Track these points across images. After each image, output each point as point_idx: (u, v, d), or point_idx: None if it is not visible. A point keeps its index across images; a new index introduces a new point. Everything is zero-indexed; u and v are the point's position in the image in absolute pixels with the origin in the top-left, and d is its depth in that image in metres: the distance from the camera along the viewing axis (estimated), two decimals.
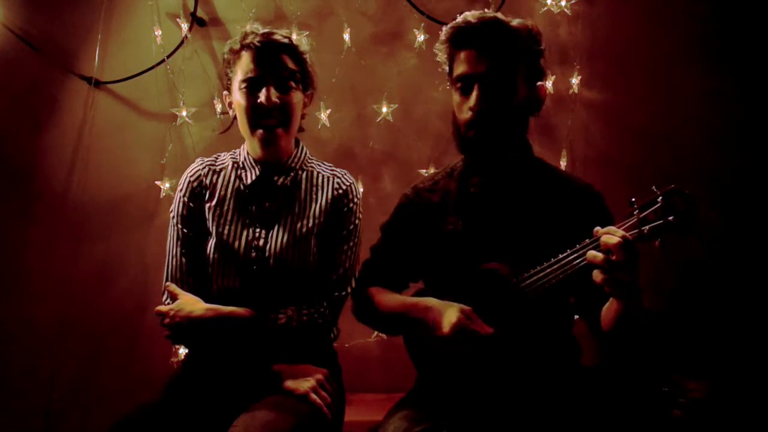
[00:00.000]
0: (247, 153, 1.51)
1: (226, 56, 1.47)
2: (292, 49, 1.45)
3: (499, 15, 1.32)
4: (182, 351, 2.23)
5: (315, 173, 1.53)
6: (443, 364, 1.31)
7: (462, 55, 1.31)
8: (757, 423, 1.81)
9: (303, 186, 1.50)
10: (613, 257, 1.06)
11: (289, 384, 1.32)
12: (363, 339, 2.24)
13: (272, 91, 1.41)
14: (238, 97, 1.44)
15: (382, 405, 1.47)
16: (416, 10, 2.31)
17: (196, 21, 2.38)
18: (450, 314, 1.23)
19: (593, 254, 1.09)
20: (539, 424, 1.20)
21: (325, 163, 1.58)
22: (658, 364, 2.00)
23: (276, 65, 1.42)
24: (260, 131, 1.42)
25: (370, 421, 1.48)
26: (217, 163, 1.53)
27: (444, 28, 1.35)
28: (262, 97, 1.40)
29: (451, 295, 1.30)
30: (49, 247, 2.39)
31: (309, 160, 1.55)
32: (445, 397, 1.28)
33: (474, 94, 1.28)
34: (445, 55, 1.37)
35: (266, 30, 1.45)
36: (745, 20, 2.27)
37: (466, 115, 1.30)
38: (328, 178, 1.52)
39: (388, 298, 1.42)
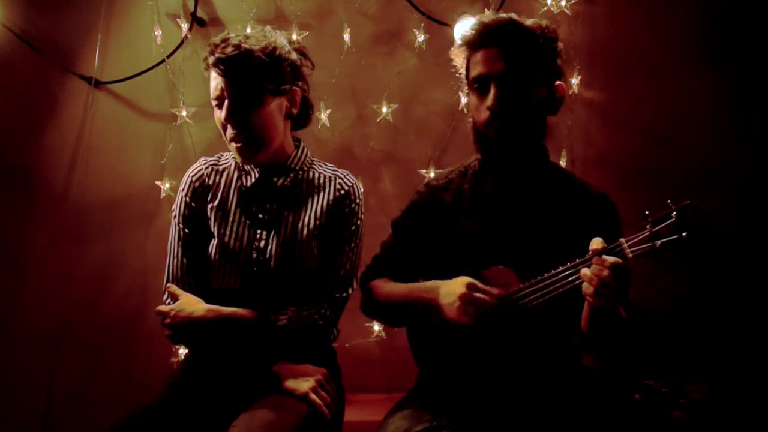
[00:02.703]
0: None
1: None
2: (247, 56, 1.35)
3: (514, 15, 1.32)
4: (182, 351, 2.23)
5: (316, 174, 1.51)
6: (447, 356, 1.31)
7: (478, 56, 1.31)
8: (757, 424, 1.81)
9: (304, 187, 1.49)
10: (606, 281, 1.08)
11: (289, 384, 1.32)
12: (363, 339, 2.24)
13: (229, 109, 1.36)
14: (215, 111, 1.43)
15: (382, 405, 1.47)
16: (416, 10, 2.31)
17: (196, 21, 2.38)
18: (455, 286, 1.24)
19: (587, 275, 1.11)
20: (540, 424, 1.20)
21: (327, 163, 1.57)
22: (634, 363, 2.01)
23: (233, 81, 1.36)
24: (235, 146, 1.41)
25: (370, 421, 1.47)
26: (220, 163, 1.53)
27: (461, 33, 1.35)
28: (222, 114, 1.39)
29: None
30: (49, 247, 2.39)
31: (310, 161, 1.54)
32: (445, 396, 1.28)
33: (491, 93, 1.28)
34: (462, 59, 1.38)
35: (224, 42, 1.37)
36: (745, 20, 2.27)
37: (484, 115, 1.30)
38: (330, 178, 1.51)
39: (394, 287, 1.43)
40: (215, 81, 1.39)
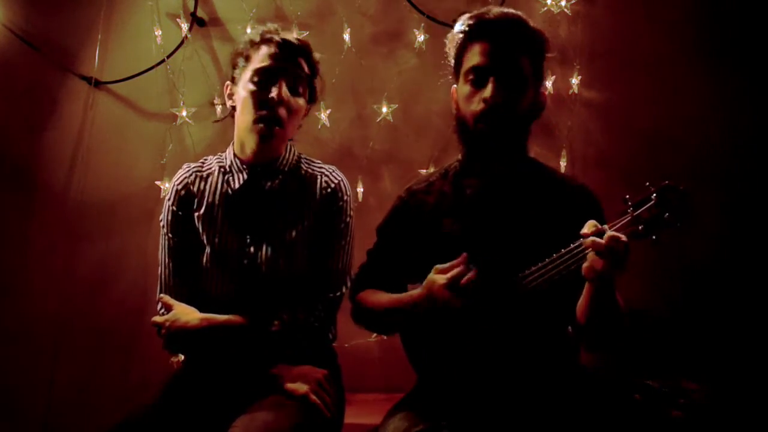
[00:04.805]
0: (234, 155, 1.47)
1: (241, 47, 1.45)
2: (308, 54, 1.47)
3: (521, 13, 1.32)
4: None
5: (303, 173, 1.50)
6: (442, 358, 1.31)
7: (478, 47, 1.30)
8: (757, 425, 1.81)
9: (291, 187, 1.47)
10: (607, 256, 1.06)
11: (289, 385, 1.32)
12: (363, 339, 2.24)
13: (284, 87, 1.40)
14: (247, 88, 1.41)
15: (382, 405, 1.46)
16: (416, 10, 2.31)
17: (196, 21, 2.38)
18: (430, 281, 1.23)
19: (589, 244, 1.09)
20: (538, 423, 1.20)
21: (314, 161, 1.55)
22: (633, 362, 2.00)
23: (292, 64, 1.42)
24: (261, 125, 1.39)
25: (370, 421, 1.47)
26: (203, 169, 1.51)
27: (462, 19, 1.35)
28: (273, 92, 1.38)
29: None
30: (49, 247, 2.39)
31: (297, 161, 1.52)
32: (444, 397, 1.28)
33: (490, 86, 1.27)
34: (456, 46, 1.36)
35: (287, 32, 1.47)
36: (746, 20, 2.27)
37: (477, 107, 1.29)
38: (317, 176, 1.49)
39: (381, 297, 1.42)
40: (265, 56, 1.41)
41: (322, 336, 1.47)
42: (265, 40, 1.43)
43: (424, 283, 1.25)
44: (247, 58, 1.44)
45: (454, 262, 1.22)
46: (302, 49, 1.45)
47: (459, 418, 1.21)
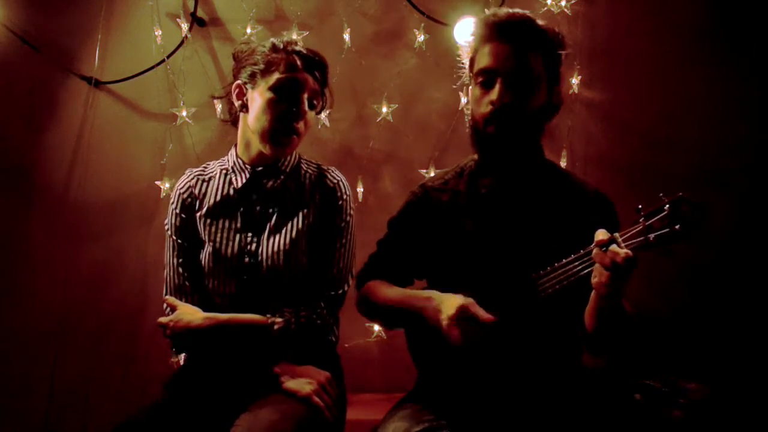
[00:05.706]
0: (237, 156, 1.50)
1: (263, 49, 1.46)
2: (325, 68, 1.50)
3: (529, 13, 1.32)
4: None
5: (303, 173, 1.52)
6: (444, 359, 1.30)
7: (487, 48, 1.30)
8: (758, 425, 1.81)
9: (292, 187, 1.49)
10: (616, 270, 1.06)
11: (292, 385, 1.32)
12: (363, 339, 2.24)
13: (305, 102, 1.44)
14: (267, 95, 1.42)
15: (382, 405, 1.46)
16: (416, 10, 2.31)
17: (196, 21, 2.38)
18: (451, 301, 1.22)
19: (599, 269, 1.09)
20: (539, 424, 1.20)
21: (312, 161, 1.57)
22: (635, 363, 2.00)
23: (313, 78, 1.46)
24: (279, 135, 1.42)
25: (370, 421, 1.47)
26: (206, 173, 1.54)
27: (473, 21, 1.35)
28: (296, 105, 1.42)
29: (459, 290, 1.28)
30: (49, 247, 2.39)
31: (297, 162, 1.54)
32: (445, 396, 1.28)
33: (497, 88, 1.27)
34: (468, 50, 1.37)
35: (309, 48, 1.50)
36: (747, 20, 2.27)
37: (485, 109, 1.29)
38: (317, 176, 1.52)
39: (390, 291, 1.41)
40: (289, 68, 1.43)
41: (325, 336, 1.47)
42: (288, 51, 1.44)
43: (440, 296, 1.25)
44: (268, 64, 1.43)
45: (482, 313, 1.19)
46: (321, 64, 1.49)
47: (460, 417, 1.21)
